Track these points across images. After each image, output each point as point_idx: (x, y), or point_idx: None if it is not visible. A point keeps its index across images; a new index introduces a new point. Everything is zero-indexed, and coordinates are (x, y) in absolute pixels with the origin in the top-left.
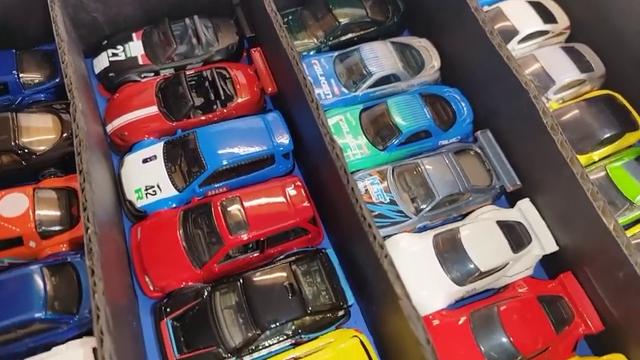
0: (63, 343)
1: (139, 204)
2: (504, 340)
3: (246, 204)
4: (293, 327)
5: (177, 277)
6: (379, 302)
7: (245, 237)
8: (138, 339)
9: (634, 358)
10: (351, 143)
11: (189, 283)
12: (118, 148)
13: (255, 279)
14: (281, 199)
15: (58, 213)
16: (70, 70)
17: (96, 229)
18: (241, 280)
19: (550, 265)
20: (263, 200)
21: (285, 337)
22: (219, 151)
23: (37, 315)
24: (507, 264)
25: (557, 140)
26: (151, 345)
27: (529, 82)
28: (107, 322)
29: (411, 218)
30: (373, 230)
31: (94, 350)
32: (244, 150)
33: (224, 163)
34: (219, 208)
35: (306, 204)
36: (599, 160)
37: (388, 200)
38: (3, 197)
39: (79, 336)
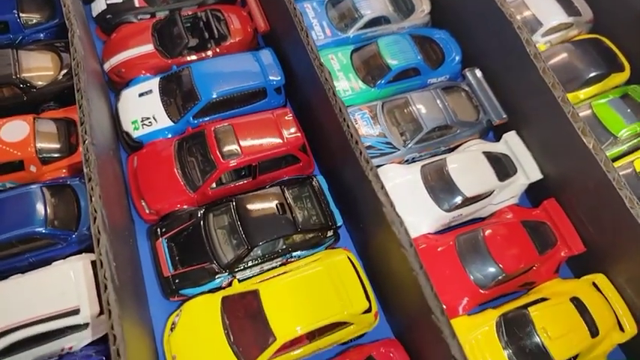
0: (63, 259)
1: (135, 134)
2: (488, 259)
3: (239, 131)
4: (283, 245)
5: (172, 201)
6: (365, 217)
7: (237, 161)
8: (134, 256)
9: (613, 277)
10: (342, 80)
11: (184, 207)
12: (115, 85)
13: (247, 200)
14: (272, 127)
15: (58, 140)
16: (69, 1)
17: (94, 140)
18: (234, 201)
19: (534, 194)
20: (255, 128)
21: (275, 255)
22: (213, 84)
23: (37, 229)
24: (493, 192)
25: (540, 67)
26: (147, 265)
27: (513, 14)
28: (103, 223)
29: (399, 150)
30: (360, 146)
31: (93, 263)
32: (237, 83)
33: (217, 95)
34: (212, 134)
35: (296, 132)
36: (586, 99)
37: (377, 133)
38: (5, 124)
39: (79, 253)
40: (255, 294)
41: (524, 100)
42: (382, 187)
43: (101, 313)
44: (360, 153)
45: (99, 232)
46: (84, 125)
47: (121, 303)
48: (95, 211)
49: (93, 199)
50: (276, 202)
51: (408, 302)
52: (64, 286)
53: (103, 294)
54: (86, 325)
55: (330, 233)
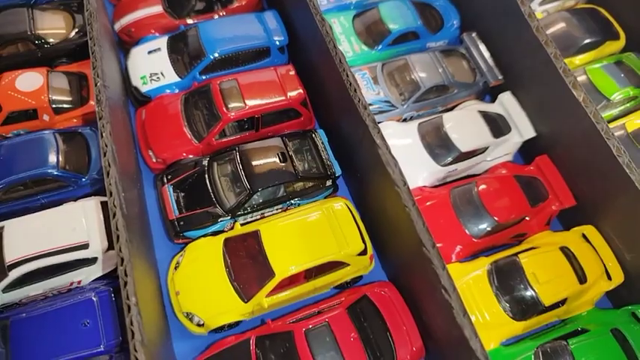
0: (75, 198)
1: (143, 89)
2: (481, 209)
3: (243, 85)
4: (284, 193)
5: (178, 150)
6: (362, 164)
7: (240, 113)
8: (141, 201)
9: (602, 228)
10: (344, 43)
11: (189, 156)
12: (125, 45)
13: (250, 148)
14: (275, 82)
15: (70, 92)
16: None
17: (105, 82)
18: (237, 150)
19: (528, 152)
20: (258, 82)
21: (276, 202)
22: (219, 42)
23: (49, 171)
24: (487, 148)
25: (534, 26)
26: (153, 213)
27: None
28: (113, 157)
29: (398, 108)
30: (358, 94)
31: (103, 204)
32: (241, 42)
33: (222, 52)
34: (217, 87)
35: (298, 87)
36: (581, 65)
37: (377, 92)
38: (20, 75)
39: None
40: (256, 234)
41: (519, 60)
42: (379, 131)
43: (109, 248)
44: (359, 100)
45: (109, 165)
46: (96, 69)
47: (128, 230)
48: (106, 145)
49: (104, 134)
50: (277, 151)
51: (401, 242)
52: (75, 223)
53: (112, 220)
54: (95, 259)
55: (329, 183)
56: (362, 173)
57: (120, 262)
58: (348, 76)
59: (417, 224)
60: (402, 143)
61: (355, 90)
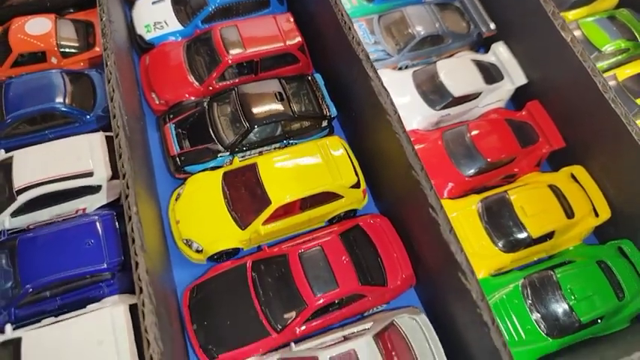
0: (80, 133)
1: (147, 37)
2: (472, 149)
3: (243, 30)
4: (281, 131)
5: (180, 92)
6: (356, 101)
7: (240, 56)
8: (144, 140)
9: (591, 168)
10: None
11: (191, 98)
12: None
13: (248, 87)
14: (274, 28)
15: (77, 37)
16: None
17: (111, 17)
18: (236, 89)
19: (520, 100)
20: (257, 28)
21: (273, 140)
22: None
23: (57, 105)
24: (480, 94)
25: None
26: (157, 153)
27: None
28: (117, 83)
29: (393, 57)
30: (352, 32)
31: (107, 138)
32: None
33: (223, 0)
34: (218, 32)
35: (296, 34)
36: (574, 19)
37: (373, 41)
38: (29, 20)
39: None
40: (253, 166)
41: (511, 10)
42: (372, 65)
43: (113, 178)
44: (352, 37)
45: (113, 90)
46: (102, 6)
47: (132, 156)
48: (110, 73)
49: (108, 63)
50: (275, 91)
51: (393, 172)
52: (80, 153)
53: (115, 140)
54: (99, 187)
55: (324, 123)
56: (356, 112)
57: (122, 177)
58: (342, 15)
59: (407, 149)
60: (397, 89)
61: (349, 28)
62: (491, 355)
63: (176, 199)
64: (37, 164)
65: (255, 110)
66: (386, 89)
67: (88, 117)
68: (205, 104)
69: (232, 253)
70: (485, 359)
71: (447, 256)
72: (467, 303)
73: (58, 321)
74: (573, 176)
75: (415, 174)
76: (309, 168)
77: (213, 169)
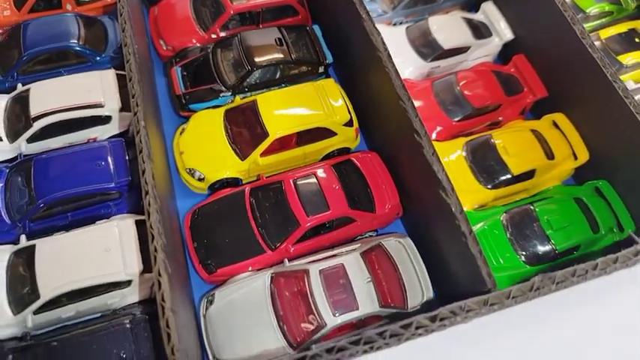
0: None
1: None
2: (459, 96)
3: None
4: (280, 75)
5: (186, 38)
6: (351, 48)
7: (242, 6)
8: (152, 84)
9: (572, 116)
10: None
11: (196, 44)
12: None
13: (250, 34)
14: None
15: None
16: None
17: None
18: (239, 35)
19: (507, 57)
20: None
21: (272, 83)
22: None
23: (71, 44)
24: (469, 48)
25: None
26: (163, 96)
27: None
28: (129, 15)
29: (388, 13)
30: None
31: (119, 75)
32: None
33: None
34: None
35: None
36: None
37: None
38: None
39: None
40: (253, 102)
41: None
42: (365, 8)
43: (123, 110)
44: None
45: (125, 22)
46: None
47: (140, 79)
48: (122, 7)
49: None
50: (275, 37)
51: (385, 108)
52: (92, 86)
53: (126, 65)
54: (109, 118)
55: (321, 69)
56: (350, 56)
57: (132, 97)
58: None
59: (395, 82)
60: (391, 43)
61: None
62: (468, 263)
63: (180, 133)
64: (52, 95)
65: (256, 54)
66: (376, 28)
67: (99, 58)
68: (209, 49)
69: (232, 184)
70: (464, 270)
71: (429, 177)
72: (447, 217)
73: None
74: (555, 124)
75: (402, 103)
76: (305, 105)
77: (215, 107)
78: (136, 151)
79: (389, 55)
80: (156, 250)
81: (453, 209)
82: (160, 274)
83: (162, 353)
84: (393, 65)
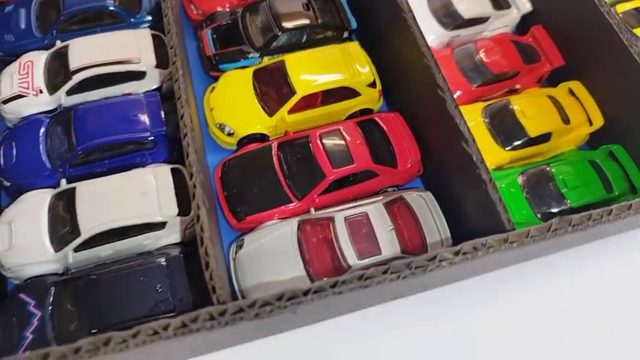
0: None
1: None
2: (479, 62)
3: None
4: (306, 37)
5: (215, 2)
6: (376, 9)
7: None
8: (183, 45)
9: (588, 84)
10: None
11: (226, 9)
12: None
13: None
14: None
15: None
16: None
17: None
18: (267, 1)
19: (525, 29)
20: None
21: (299, 47)
22: None
23: (108, 4)
24: (488, 18)
25: None
26: (194, 60)
27: None
28: None
29: None
30: None
31: (153, 36)
32: None
33: None
34: None
35: None
36: None
37: None
38: None
39: None
40: (281, 62)
41: None
42: None
43: (158, 66)
44: None
45: None
46: None
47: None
48: None
49: None
50: (302, 1)
51: (405, 67)
52: (128, 42)
53: (165, 19)
54: (144, 73)
55: (345, 35)
56: (374, 21)
57: (170, 47)
58: None
59: (420, 40)
60: (414, 12)
61: None
62: (488, 210)
63: (211, 91)
64: (90, 50)
65: (284, 18)
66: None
67: (134, 19)
68: (239, 13)
69: (259, 140)
70: (483, 217)
71: (451, 130)
72: (467, 168)
73: None
74: (571, 92)
75: (426, 60)
76: (331, 66)
77: (244, 67)
78: (175, 98)
79: (413, 17)
80: (195, 187)
81: (474, 158)
82: (198, 207)
83: (195, 290)
84: (417, 25)
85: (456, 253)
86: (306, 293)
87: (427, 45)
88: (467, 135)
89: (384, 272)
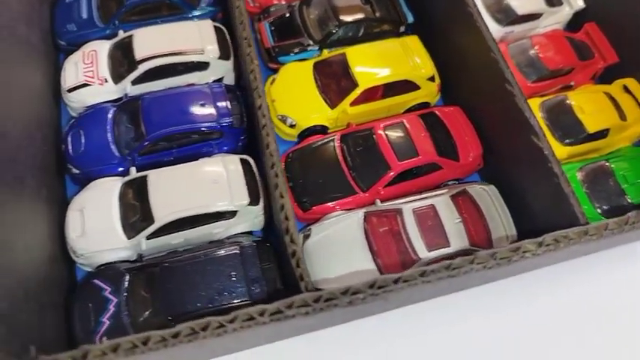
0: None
1: None
2: (535, 57)
3: None
4: (363, 31)
5: None
6: (435, 6)
7: None
8: None
9: None
10: None
11: (282, 2)
12: None
13: None
14: None
15: None
16: None
17: None
18: None
19: (577, 26)
20: None
21: (356, 40)
22: None
23: None
24: (541, 15)
25: None
26: None
27: None
28: None
29: None
30: None
31: (215, 27)
32: None
33: None
34: None
35: None
36: None
37: None
38: None
39: None
40: (342, 55)
41: None
42: None
43: (221, 58)
44: None
45: None
46: None
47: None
48: None
49: None
50: None
51: (468, 61)
52: (191, 33)
53: (235, 10)
54: (207, 64)
55: (402, 29)
56: (432, 16)
57: (244, 38)
58: None
59: (486, 34)
60: None
61: None
62: (560, 204)
63: (271, 83)
64: (155, 41)
65: (344, 11)
66: None
67: (194, 10)
68: (296, 6)
69: (319, 132)
70: (554, 211)
71: (520, 124)
72: (537, 162)
73: None
74: (626, 88)
75: (493, 54)
76: (392, 58)
77: (303, 60)
78: (248, 89)
79: (479, 11)
80: (277, 175)
81: (546, 152)
82: (282, 196)
83: (268, 276)
84: (483, 20)
85: (539, 244)
86: (396, 281)
87: (494, 39)
88: (537, 129)
89: (471, 262)
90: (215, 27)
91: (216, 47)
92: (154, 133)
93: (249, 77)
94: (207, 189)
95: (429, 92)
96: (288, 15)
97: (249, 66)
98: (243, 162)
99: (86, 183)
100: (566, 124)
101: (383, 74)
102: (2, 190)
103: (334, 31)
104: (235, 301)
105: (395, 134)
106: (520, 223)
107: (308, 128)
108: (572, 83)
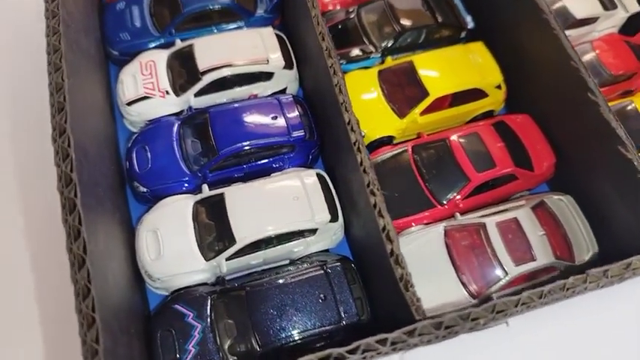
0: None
1: None
2: (597, 62)
3: None
4: (424, 37)
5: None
6: (500, 11)
7: None
8: None
9: None
10: None
11: (337, 7)
12: None
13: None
14: None
15: None
16: None
17: None
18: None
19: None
20: None
21: (419, 46)
22: None
23: (229, 2)
24: (597, 19)
25: None
26: None
27: None
28: None
29: None
30: None
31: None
32: None
33: None
34: None
35: None
36: None
37: None
38: None
39: None
40: (409, 63)
41: None
42: None
43: (285, 67)
44: None
45: None
46: None
47: None
48: None
49: None
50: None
51: (541, 68)
52: (254, 42)
53: (312, 19)
54: (271, 74)
55: (463, 34)
56: (496, 21)
57: (325, 49)
58: None
59: (565, 43)
60: None
61: None
62: None
63: None
64: (217, 50)
65: (405, 16)
66: None
67: (251, 18)
68: (354, 12)
69: (386, 143)
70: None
71: (605, 135)
72: (624, 173)
73: None
74: None
75: (574, 63)
76: (461, 66)
77: (365, 68)
78: (336, 101)
79: (555, 18)
80: (373, 194)
81: (636, 164)
82: (382, 216)
83: (356, 296)
84: (560, 26)
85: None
86: (516, 305)
87: (573, 47)
88: (625, 139)
89: (584, 281)
90: (277, 35)
91: (280, 56)
92: (227, 148)
93: (334, 91)
94: (289, 206)
95: (495, 100)
96: (346, 22)
97: (332, 79)
98: (319, 177)
99: (151, 201)
100: (636, 130)
101: (453, 83)
102: (91, 216)
103: (398, 38)
104: (327, 327)
105: (470, 144)
106: (598, 236)
107: (376, 140)
108: (633, 89)
